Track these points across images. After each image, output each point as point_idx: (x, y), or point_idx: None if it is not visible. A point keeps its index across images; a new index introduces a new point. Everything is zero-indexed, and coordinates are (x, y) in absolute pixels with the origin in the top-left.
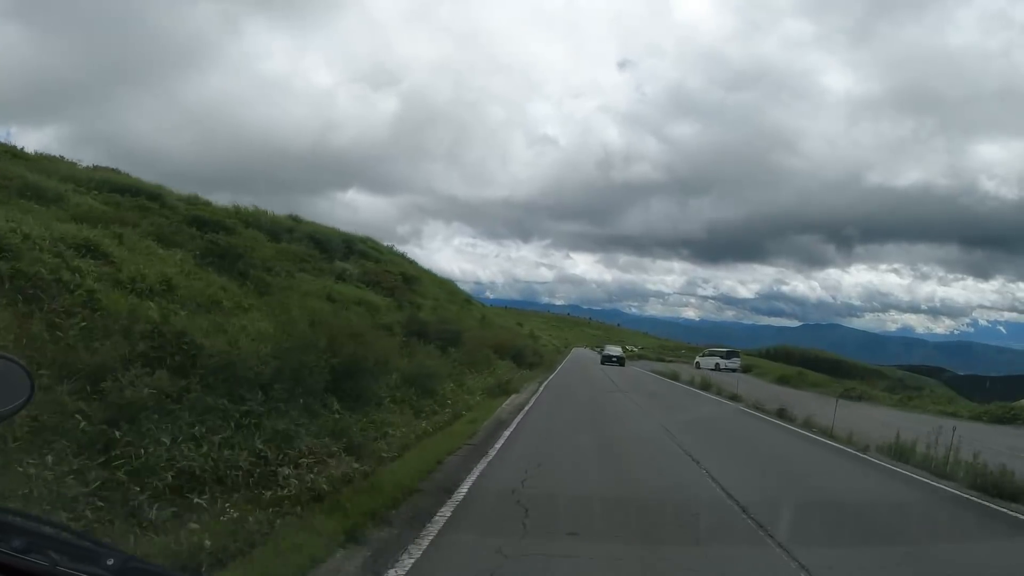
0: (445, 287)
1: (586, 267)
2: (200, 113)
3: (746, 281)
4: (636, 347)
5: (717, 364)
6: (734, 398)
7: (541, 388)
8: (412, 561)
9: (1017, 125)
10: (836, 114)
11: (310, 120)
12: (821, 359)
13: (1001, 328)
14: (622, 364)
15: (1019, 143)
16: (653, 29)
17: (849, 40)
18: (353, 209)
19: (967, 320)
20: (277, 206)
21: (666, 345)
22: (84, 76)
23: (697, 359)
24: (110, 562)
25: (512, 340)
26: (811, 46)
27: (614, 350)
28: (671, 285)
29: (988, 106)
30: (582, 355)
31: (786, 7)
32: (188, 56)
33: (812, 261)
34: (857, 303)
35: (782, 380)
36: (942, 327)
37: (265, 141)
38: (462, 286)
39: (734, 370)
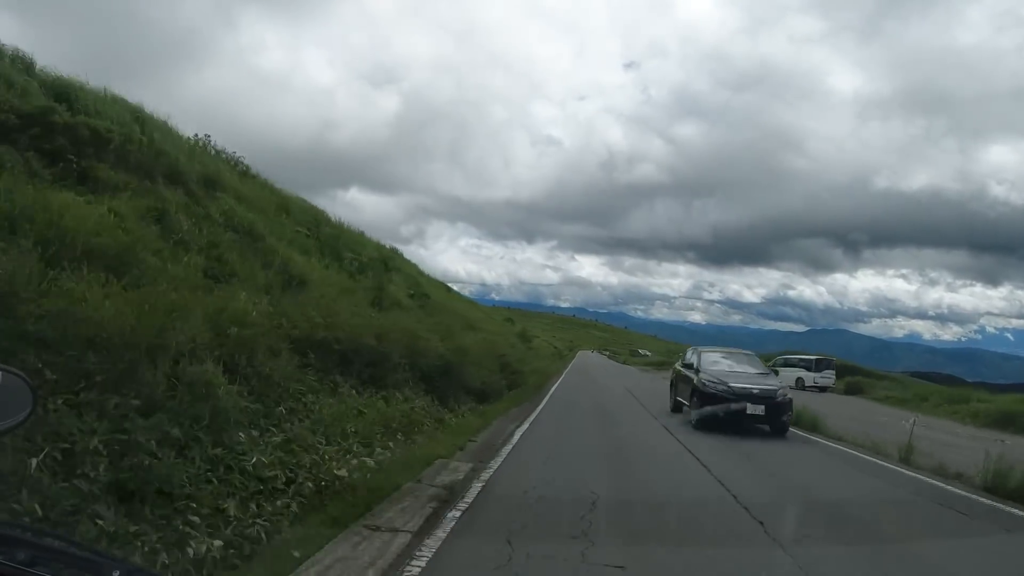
0: (356, 242)
1: (592, 269)
2: (194, 108)
3: (752, 285)
4: (649, 352)
5: (800, 380)
6: None
7: None
8: None
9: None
10: (842, 115)
11: (308, 117)
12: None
13: (1009, 335)
14: (782, 429)
15: None
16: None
17: (857, 38)
18: (354, 208)
19: (974, 327)
20: None
21: (676, 349)
22: (71, 69)
23: None
24: (115, 574)
25: (431, 338)
26: (818, 44)
27: (761, 379)
28: (677, 288)
29: (998, 106)
30: (592, 365)
31: (792, 3)
32: (181, 49)
33: (818, 265)
34: (864, 308)
35: (1006, 422)
36: (949, 334)
37: (262, 137)
38: (467, 288)
39: (824, 389)
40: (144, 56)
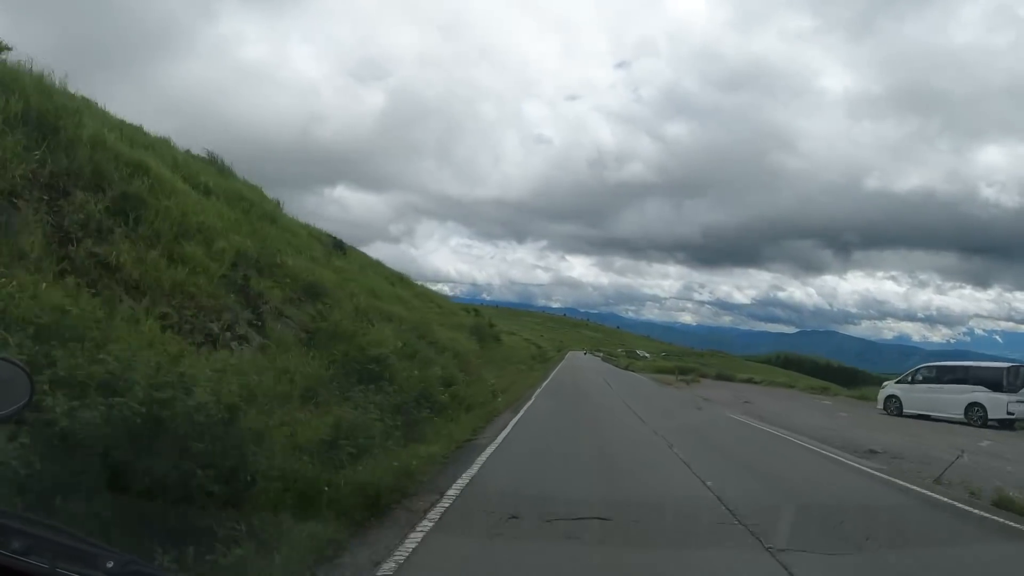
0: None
1: (582, 270)
2: (180, 101)
3: (742, 287)
4: (648, 353)
5: (976, 409)
6: None
7: None
8: None
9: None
10: (832, 115)
11: (294, 112)
12: (833, 368)
13: (997, 337)
14: None
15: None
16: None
17: (848, 35)
18: (342, 206)
19: (963, 329)
20: None
21: (670, 350)
22: (53, 60)
23: (890, 391)
24: (109, 564)
25: None
26: (809, 41)
27: None
28: (667, 289)
29: (991, 106)
30: (584, 372)
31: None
32: (164, 40)
33: (808, 267)
34: (854, 310)
35: None
36: (938, 336)
37: (248, 132)
38: (458, 288)
39: (1013, 423)
40: (120, 47)
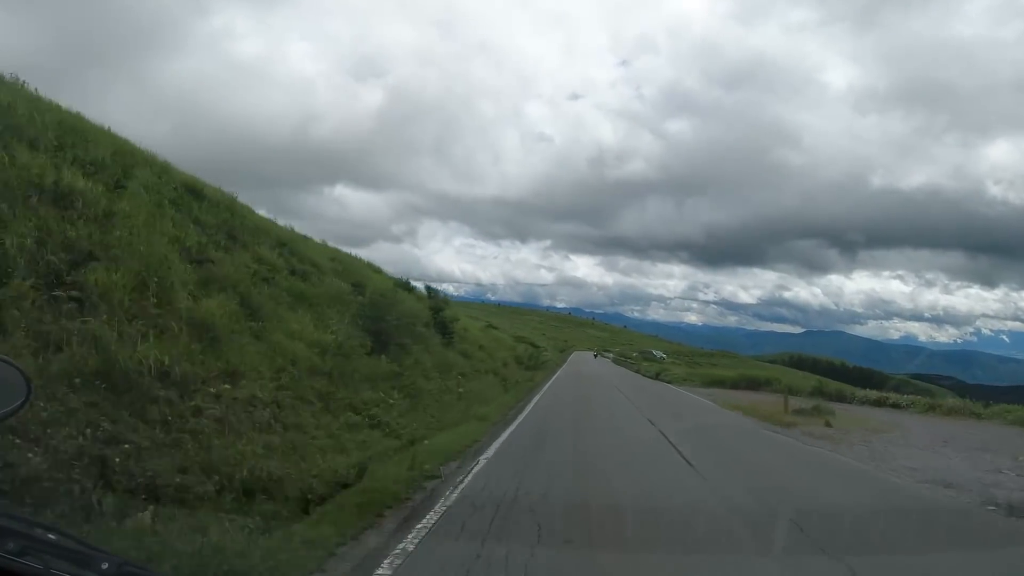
0: None
1: (587, 270)
2: (176, 100)
3: (748, 286)
4: (664, 354)
5: None
6: None
7: None
8: None
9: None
10: (837, 111)
11: (292, 111)
12: (848, 369)
13: (1004, 337)
14: None
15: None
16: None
17: (853, 27)
18: (342, 205)
19: (970, 329)
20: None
21: (679, 351)
22: (45, 58)
23: None
24: (104, 566)
25: None
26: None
27: None
28: (672, 289)
29: (996, 101)
30: (608, 392)
31: None
32: (157, 36)
33: (814, 267)
34: (860, 310)
35: None
36: (945, 335)
37: (245, 131)
38: (463, 288)
39: None
40: (112, 44)
